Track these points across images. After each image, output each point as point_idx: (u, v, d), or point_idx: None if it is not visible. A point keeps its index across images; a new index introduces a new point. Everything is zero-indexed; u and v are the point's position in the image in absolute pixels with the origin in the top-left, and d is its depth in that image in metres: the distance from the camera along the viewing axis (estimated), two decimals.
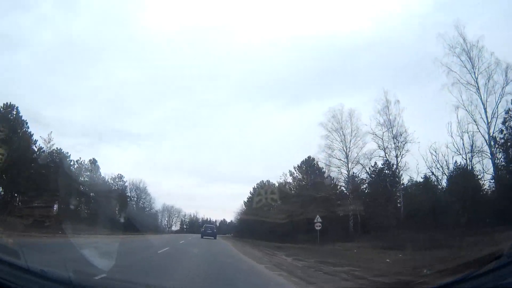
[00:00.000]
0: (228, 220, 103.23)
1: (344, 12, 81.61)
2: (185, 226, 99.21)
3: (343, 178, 34.96)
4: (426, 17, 53.87)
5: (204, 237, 37.91)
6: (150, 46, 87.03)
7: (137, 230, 38.03)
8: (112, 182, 52.29)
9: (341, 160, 34.15)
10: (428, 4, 59.42)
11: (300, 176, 42.96)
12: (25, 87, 59.46)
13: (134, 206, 57.37)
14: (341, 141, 34.14)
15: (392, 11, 66.97)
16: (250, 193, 57.47)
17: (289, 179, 43.74)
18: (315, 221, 26.02)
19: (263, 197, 35.57)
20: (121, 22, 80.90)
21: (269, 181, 52.08)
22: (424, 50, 52.59)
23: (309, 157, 41.85)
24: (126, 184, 55.81)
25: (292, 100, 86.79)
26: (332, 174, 35.55)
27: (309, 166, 42.03)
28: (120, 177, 54.80)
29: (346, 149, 34.03)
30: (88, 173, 45.75)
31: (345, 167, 34.02)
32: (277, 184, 45.06)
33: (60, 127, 70.85)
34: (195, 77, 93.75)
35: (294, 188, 42.27)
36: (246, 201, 58.68)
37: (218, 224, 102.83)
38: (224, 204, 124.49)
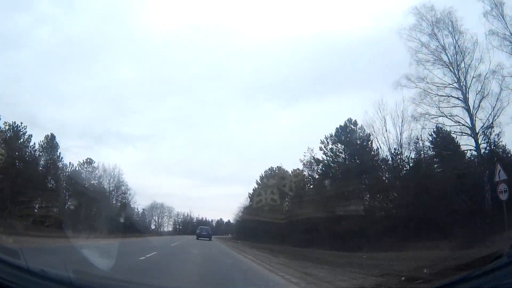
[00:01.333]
0: (226, 220, 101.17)
1: (344, 12, 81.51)
2: (178, 227, 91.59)
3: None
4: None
5: (199, 238, 37.95)
6: (150, 45, 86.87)
7: (125, 232, 34.61)
8: (79, 168, 42.92)
9: (451, 85, 20.30)
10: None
11: (338, 147, 29.93)
12: (24, 86, 59.19)
13: (113, 201, 47.20)
14: (440, 53, 20.81)
15: (390, 10, 66.82)
16: (257, 182, 47.40)
17: (320, 155, 31.10)
18: (497, 178, 13.60)
19: (276, 187, 28.12)
20: (121, 21, 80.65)
21: (280, 167, 42.76)
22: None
23: (349, 119, 29.63)
24: (97, 171, 45.14)
25: (293, 99, 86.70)
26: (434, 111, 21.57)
27: (351, 132, 29.66)
28: (89, 162, 43.44)
29: (456, 69, 20.48)
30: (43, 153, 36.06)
31: (460, 99, 20.26)
32: (294, 169, 35.01)
33: (58, 127, 70.65)
34: (195, 77, 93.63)
35: (326, 166, 30.89)
36: (250, 193, 47.93)
37: (214, 224, 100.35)
38: (222, 204, 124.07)
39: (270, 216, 29.72)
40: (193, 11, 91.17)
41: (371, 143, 28.07)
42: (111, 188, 46.95)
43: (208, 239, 38.00)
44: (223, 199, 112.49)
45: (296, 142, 77.06)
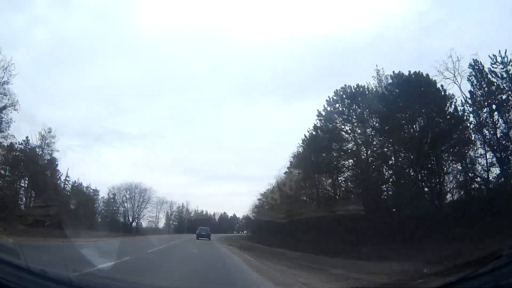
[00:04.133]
0: (230, 214, 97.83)
1: (341, 10, 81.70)
2: (173, 223, 76.72)
3: None
4: (425, 14, 53.76)
5: (199, 238, 39.34)
6: (145, 44, 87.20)
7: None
8: None
9: None
10: (426, 1, 59.31)
11: None
12: (20, 87, 58.98)
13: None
14: None
15: (390, 8, 66.97)
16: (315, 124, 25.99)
17: None
18: None
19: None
20: (116, 21, 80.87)
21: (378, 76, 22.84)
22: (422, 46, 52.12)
23: None
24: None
25: (290, 97, 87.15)
26: None
27: None
28: None
29: None
30: None
31: None
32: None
33: (56, 126, 70.22)
34: (191, 75, 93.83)
35: None
36: (293, 156, 29.70)
37: (217, 219, 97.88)
38: (221, 202, 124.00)
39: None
40: (189, 10, 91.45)
41: None
42: None
43: (207, 238, 39.83)
44: (222, 197, 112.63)
45: (294, 140, 77.05)
